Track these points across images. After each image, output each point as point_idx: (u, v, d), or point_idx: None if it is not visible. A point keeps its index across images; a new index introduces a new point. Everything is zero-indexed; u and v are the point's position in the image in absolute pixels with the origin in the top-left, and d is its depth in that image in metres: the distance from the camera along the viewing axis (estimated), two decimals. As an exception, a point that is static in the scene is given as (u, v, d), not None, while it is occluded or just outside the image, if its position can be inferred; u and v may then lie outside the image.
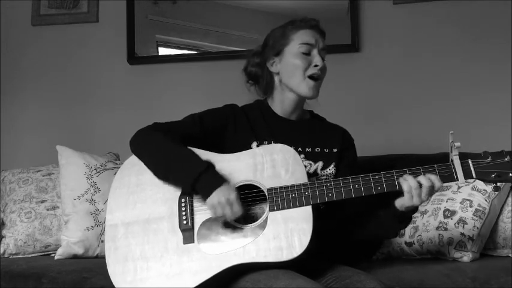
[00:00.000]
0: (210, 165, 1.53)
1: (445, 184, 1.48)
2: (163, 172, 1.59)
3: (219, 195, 1.47)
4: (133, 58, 2.87)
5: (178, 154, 1.56)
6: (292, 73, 1.70)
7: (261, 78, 1.80)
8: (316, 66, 1.69)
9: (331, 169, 1.71)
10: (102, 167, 2.31)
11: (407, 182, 1.47)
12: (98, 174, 2.29)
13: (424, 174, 1.48)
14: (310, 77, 1.69)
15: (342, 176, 1.57)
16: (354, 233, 1.68)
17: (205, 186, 1.50)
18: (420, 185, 1.46)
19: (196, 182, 1.50)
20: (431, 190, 1.47)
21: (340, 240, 1.74)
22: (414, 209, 1.55)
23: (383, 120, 2.68)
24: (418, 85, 2.66)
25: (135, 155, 1.65)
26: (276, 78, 1.76)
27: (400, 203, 1.51)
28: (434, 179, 1.47)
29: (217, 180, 1.51)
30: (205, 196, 1.49)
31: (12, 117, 2.96)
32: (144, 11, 2.87)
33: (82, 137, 2.86)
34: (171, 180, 1.58)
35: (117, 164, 2.36)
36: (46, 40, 2.97)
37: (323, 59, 1.71)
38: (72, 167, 2.29)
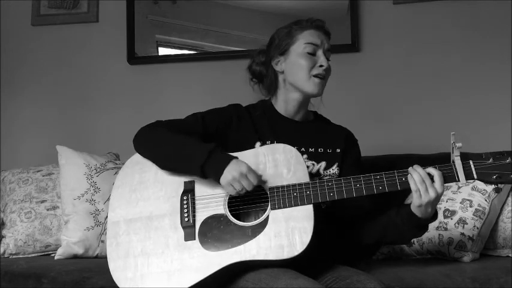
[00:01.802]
0: (215, 147, 1.54)
1: (445, 184, 1.48)
2: (170, 162, 1.59)
3: (230, 172, 1.48)
4: (133, 58, 2.87)
5: (183, 142, 1.57)
6: (297, 72, 1.71)
7: (265, 77, 1.80)
8: (321, 66, 1.70)
9: (334, 169, 1.72)
10: (102, 167, 2.31)
11: (413, 179, 1.47)
12: (98, 174, 2.29)
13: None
14: (315, 76, 1.70)
15: (347, 175, 1.58)
16: (363, 236, 1.68)
17: (215, 167, 1.51)
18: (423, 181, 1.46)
19: (205, 165, 1.50)
20: (436, 182, 1.46)
21: (345, 241, 1.74)
22: (432, 216, 1.53)
23: (383, 120, 2.68)
24: (419, 85, 2.67)
25: (139, 151, 1.66)
26: (281, 78, 1.76)
27: (412, 205, 1.50)
28: (431, 171, 1.47)
29: (225, 158, 1.52)
30: (217, 177, 1.50)
31: (12, 117, 2.96)
32: (144, 11, 2.87)
33: (82, 137, 2.86)
34: (179, 169, 1.59)
35: (117, 164, 2.36)
36: (46, 40, 2.97)
37: (328, 59, 1.72)
38: (72, 167, 2.29)
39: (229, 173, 1.48)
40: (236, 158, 1.53)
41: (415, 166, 1.49)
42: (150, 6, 2.88)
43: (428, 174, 1.47)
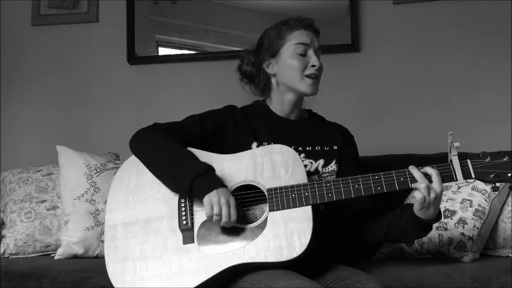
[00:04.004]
0: (209, 168, 1.53)
1: (444, 184, 1.48)
2: (161, 173, 1.59)
3: (219, 194, 1.47)
4: (133, 58, 2.87)
5: (177, 155, 1.57)
6: (289, 74, 1.70)
7: (256, 78, 1.80)
8: (313, 66, 1.69)
9: (332, 166, 1.71)
10: (102, 167, 2.31)
11: (418, 183, 1.46)
12: (98, 174, 2.29)
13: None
14: (308, 76, 1.69)
15: (346, 172, 1.57)
16: (366, 235, 1.67)
17: (206, 183, 1.49)
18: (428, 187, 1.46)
19: (194, 181, 1.49)
20: (434, 182, 1.45)
21: (345, 240, 1.74)
22: (436, 217, 1.52)
23: (383, 120, 2.68)
24: (418, 85, 2.66)
25: (134, 154, 1.65)
26: (273, 80, 1.76)
27: (415, 207, 1.49)
28: (428, 170, 1.47)
29: (218, 181, 1.51)
30: (203, 192, 1.48)
31: (12, 117, 2.96)
32: (144, 11, 2.87)
33: (82, 137, 2.86)
34: (168, 182, 1.58)
35: (117, 164, 2.36)
36: (46, 40, 2.97)
37: (318, 58, 1.71)
38: (72, 167, 2.29)
39: (218, 194, 1.46)
40: (226, 187, 1.51)
41: (411, 167, 1.49)
42: (150, 6, 2.88)
43: (426, 174, 1.47)
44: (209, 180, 1.50)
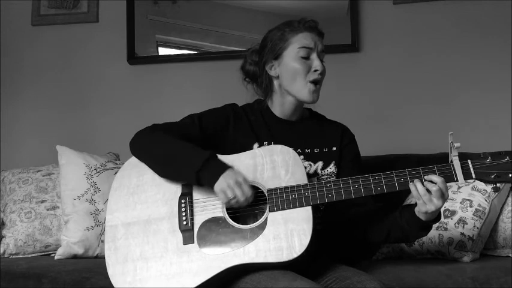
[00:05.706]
0: (212, 154, 1.53)
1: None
2: (165, 168, 1.59)
3: (226, 179, 1.48)
4: (133, 58, 2.87)
5: (179, 148, 1.57)
6: (292, 78, 1.68)
7: (259, 78, 1.79)
8: (316, 71, 1.67)
9: (331, 168, 1.71)
10: (102, 167, 2.31)
11: (415, 189, 1.46)
12: (98, 174, 2.29)
13: (424, 178, 1.47)
14: (312, 82, 1.67)
15: (345, 173, 1.57)
16: (367, 236, 1.67)
17: (211, 173, 1.50)
18: (429, 191, 1.45)
19: (201, 171, 1.50)
20: (440, 192, 1.44)
21: (346, 240, 1.74)
22: (436, 217, 1.52)
23: (383, 120, 2.68)
24: (418, 85, 2.67)
25: (135, 156, 1.65)
26: (276, 82, 1.74)
27: (417, 210, 1.49)
28: (434, 178, 1.46)
29: (222, 166, 1.51)
30: (211, 183, 1.49)
31: (12, 117, 2.96)
32: (144, 11, 2.87)
33: (82, 137, 2.86)
34: (174, 175, 1.58)
35: (117, 164, 2.36)
36: (46, 40, 2.98)
37: (322, 61, 1.69)
38: (72, 167, 2.29)
39: (225, 179, 1.48)
40: (232, 167, 1.52)
41: (416, 181, 1.48)
42: (150, 6, 2.88)
43: (431, 181, 1.46)
44: (213, 168, 1.51)
